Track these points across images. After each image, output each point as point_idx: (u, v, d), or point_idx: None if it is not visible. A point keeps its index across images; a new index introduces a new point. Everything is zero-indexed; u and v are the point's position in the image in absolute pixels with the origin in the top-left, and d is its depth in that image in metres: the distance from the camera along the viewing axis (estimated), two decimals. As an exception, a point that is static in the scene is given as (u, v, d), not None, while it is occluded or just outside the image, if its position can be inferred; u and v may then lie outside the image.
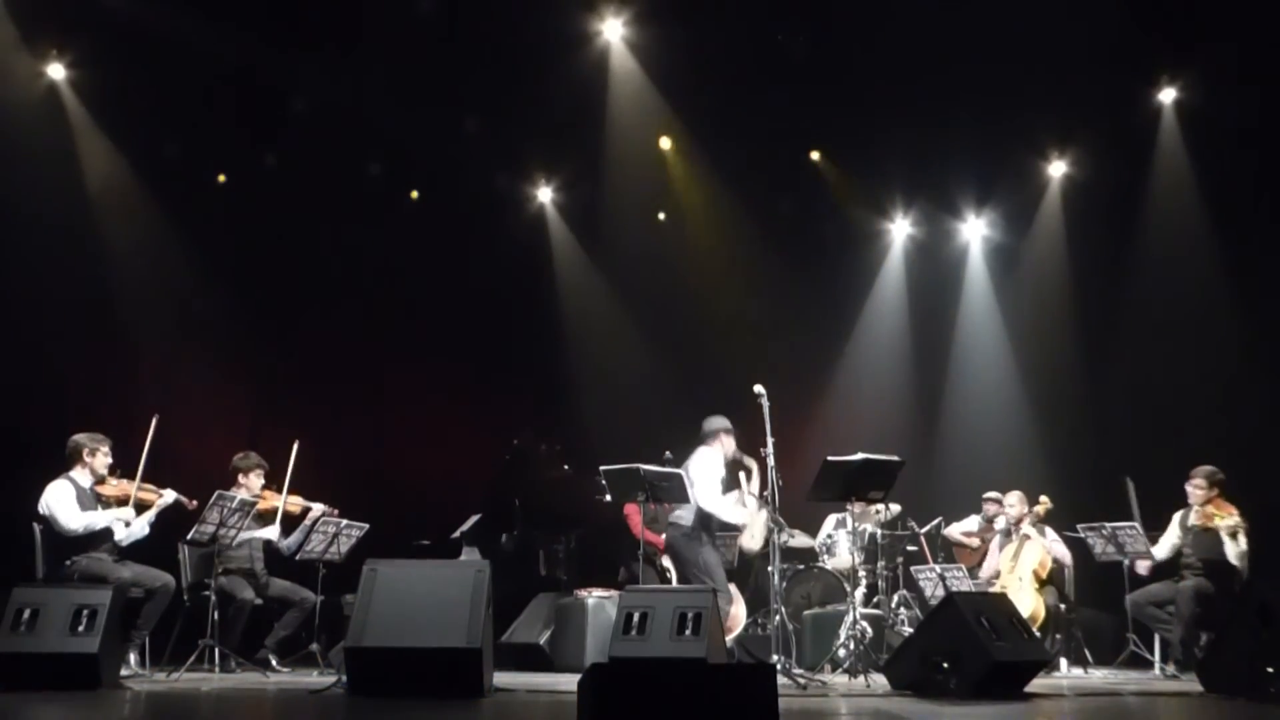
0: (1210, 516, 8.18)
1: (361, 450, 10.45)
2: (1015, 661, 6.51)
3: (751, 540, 8.09)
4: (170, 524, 7.74)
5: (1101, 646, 8.93)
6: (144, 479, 7.49)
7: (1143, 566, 8.47)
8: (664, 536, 8.15)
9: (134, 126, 9.98)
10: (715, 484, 7.80)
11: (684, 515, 7.81)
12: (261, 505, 8.00)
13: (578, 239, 11.74)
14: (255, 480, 8.08)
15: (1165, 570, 8.51)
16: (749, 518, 7.91)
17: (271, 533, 8.18)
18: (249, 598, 7.87)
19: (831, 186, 11.44)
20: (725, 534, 8.46)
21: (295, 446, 7.99)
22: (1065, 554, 8.84)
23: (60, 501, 7.31)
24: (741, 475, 7.97)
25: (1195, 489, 8.36)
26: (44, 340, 9.63)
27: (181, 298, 10.53)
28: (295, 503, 8.20)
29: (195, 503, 7.65)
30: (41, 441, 7.97)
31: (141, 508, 7.53)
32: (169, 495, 7.59)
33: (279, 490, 8.10)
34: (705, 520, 7.78)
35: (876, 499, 7.95)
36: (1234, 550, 8.09)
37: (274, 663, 7.88)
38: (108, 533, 7.41)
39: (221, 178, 10.78)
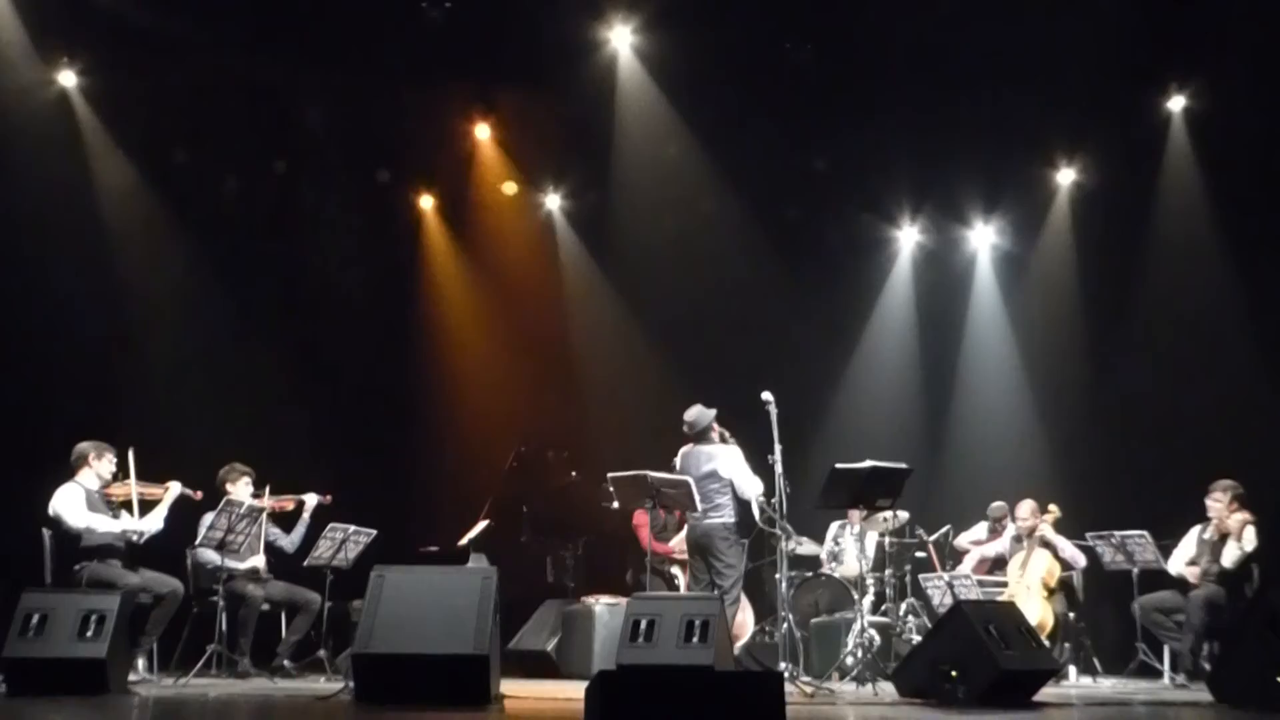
0: (1224, 519, 8.17)
1: (369, 456, 10.45)
2: (1023, 670, 6.49)
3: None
4: (178, 530, 7.75)
5: (1111, 655, 8.90)
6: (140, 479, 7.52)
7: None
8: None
9: (144, 133, 10.00)
10: (753, 475, 7.79)
11: (726, 513, 7.73)
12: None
13: (585, 246, 11.75)
14: (243, 489, 8.07)
15: (1173, 579, 8.48)
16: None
17: (272, 532, 8.20)
18: (259, 595, 7.87)
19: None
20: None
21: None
22: (1079, 556, 8.81)
23: (68, 502, 7.35)
24: None
25: (1214, 502, 8.30)
26: (53, 347, 9.65)
27: (190, 304, 10.55)
28: (287, 498, 8.21)
29: (200, 494, 7.68)
30: (52, 449, 7.98)
31: (149, 506, 7.55)
32: (174, 488, 7.62)
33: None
34: (743, 517, 7.79)
35: (884, 507, 7.94)
36: (1234, 551, 8.08)
37: (289, 668, 7.88)
38: (117, 539, 7.42)
39: (230, 184, 10.81)
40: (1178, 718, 6.38)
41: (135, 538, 7.44)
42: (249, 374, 10.57)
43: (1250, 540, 8.12)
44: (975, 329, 11.81)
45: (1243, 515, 8.14)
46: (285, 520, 8.32)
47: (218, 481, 8.08)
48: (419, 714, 5.67)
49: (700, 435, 7.93)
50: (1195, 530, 8.47)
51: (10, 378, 9.27)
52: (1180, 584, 8.40)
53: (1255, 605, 7.05)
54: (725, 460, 7.80)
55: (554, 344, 11.54)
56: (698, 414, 7.94)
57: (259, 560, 7.98)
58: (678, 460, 8.04)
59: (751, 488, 7.75)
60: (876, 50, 9.97)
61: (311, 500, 8.29)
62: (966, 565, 9.26)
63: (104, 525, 7.36)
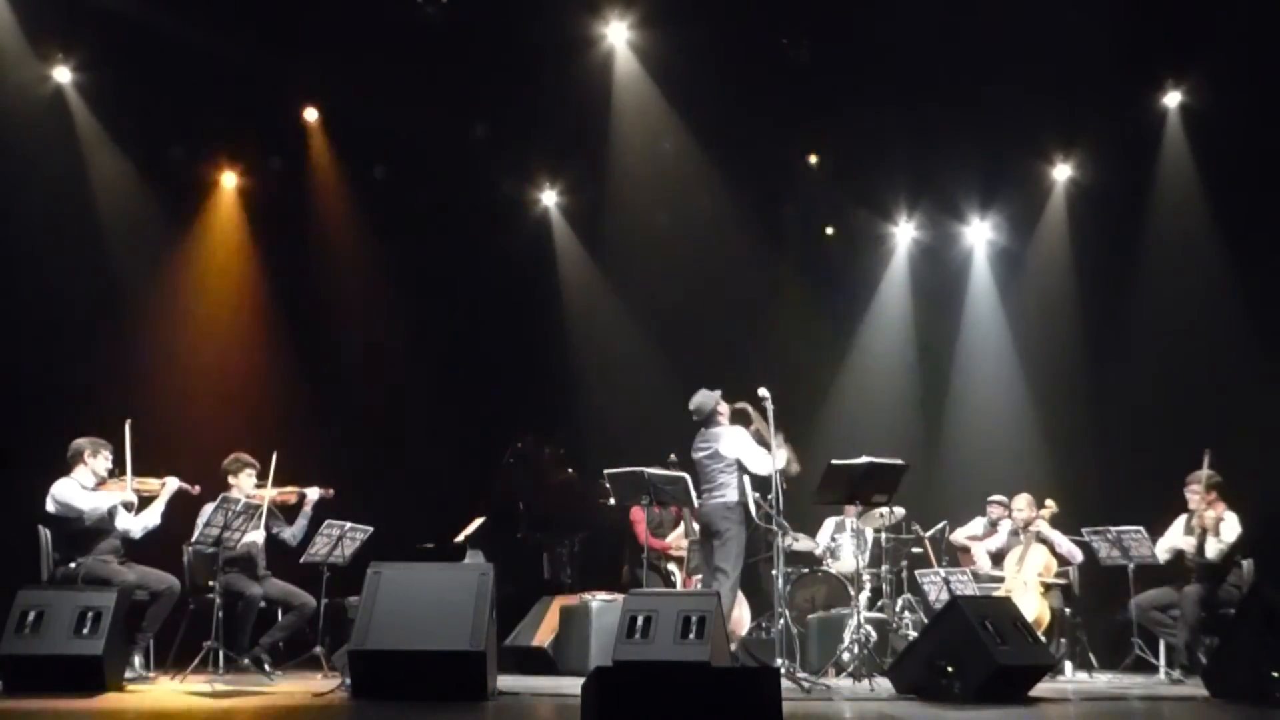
0: (1202, 513, 8.21)
1: (366, 453, 10.44)
2: (1019, 665, 6.51)
3: (792, 464, 7.86)
4: (175, 526, 7.75)
5: (1106, 650, 8.92)
6: (138, 474, 7.51)
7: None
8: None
9: (139, 129, 9.99)
10: (760, 450, 7.69)
11: (729, 492, 7.67)
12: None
13: (582, 242, 11.75)
14: (246, 481, 8.03)
15: (1169, 574, 8.50)
16: (782, 459, 7.75)
17: (274, 525, 8.20)
18: (257, 593, 7.83)
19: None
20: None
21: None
22: (1075, 551, 8.82)
23: (68, 492, 7.35)
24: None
25: (1192, 494, 8.39)
26: (49, 343, 9.64)
27: (189, 300, 10.54)
28: (290, 490, 8.21)
29: (198, 488, 7.68)
30: (46, 445, 7.97)
31: (146, 501, 7.55)
32: (171, 483, 7.61)
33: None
34: (745, 498, 7.75)
35: (880, 502, 7.95)
36: (1214, 546, 8.14)
37: (265, 664, 7.84)
38: (114, 534, 7.42)
39: (226, 179, 10.80)
40: (1173, 713, 6.40)
41: (126, 511, 7.43)
42: (248, 370, 10.57)
43: (1231, 531, 8.17)
44: (971, 325, 11.83)
45: (1215, 511, 8.19)
46: (287, 513, 8.31)
47: (222, 472, 8.07)
48: (416, 710, 5.67)
49: (707, 420, 7.89)
50: (1181, 520, 8.52)
51: (6, 374, 9.25)
52: (1174, 578, 8.43)
53: (1250, 601, 7.07)
54: (728, 440, 7.75)
55: (550, 339, 11.54)
56: (700, 400, 7.92)
57: (258, 535, 7.95)
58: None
59: (758, 464, 7.66)
60: (872, 46, 9.97)
61: (313, 494, 8.26)
62: (982, 564, 9.23)
63: (107, 501, 7.37)
